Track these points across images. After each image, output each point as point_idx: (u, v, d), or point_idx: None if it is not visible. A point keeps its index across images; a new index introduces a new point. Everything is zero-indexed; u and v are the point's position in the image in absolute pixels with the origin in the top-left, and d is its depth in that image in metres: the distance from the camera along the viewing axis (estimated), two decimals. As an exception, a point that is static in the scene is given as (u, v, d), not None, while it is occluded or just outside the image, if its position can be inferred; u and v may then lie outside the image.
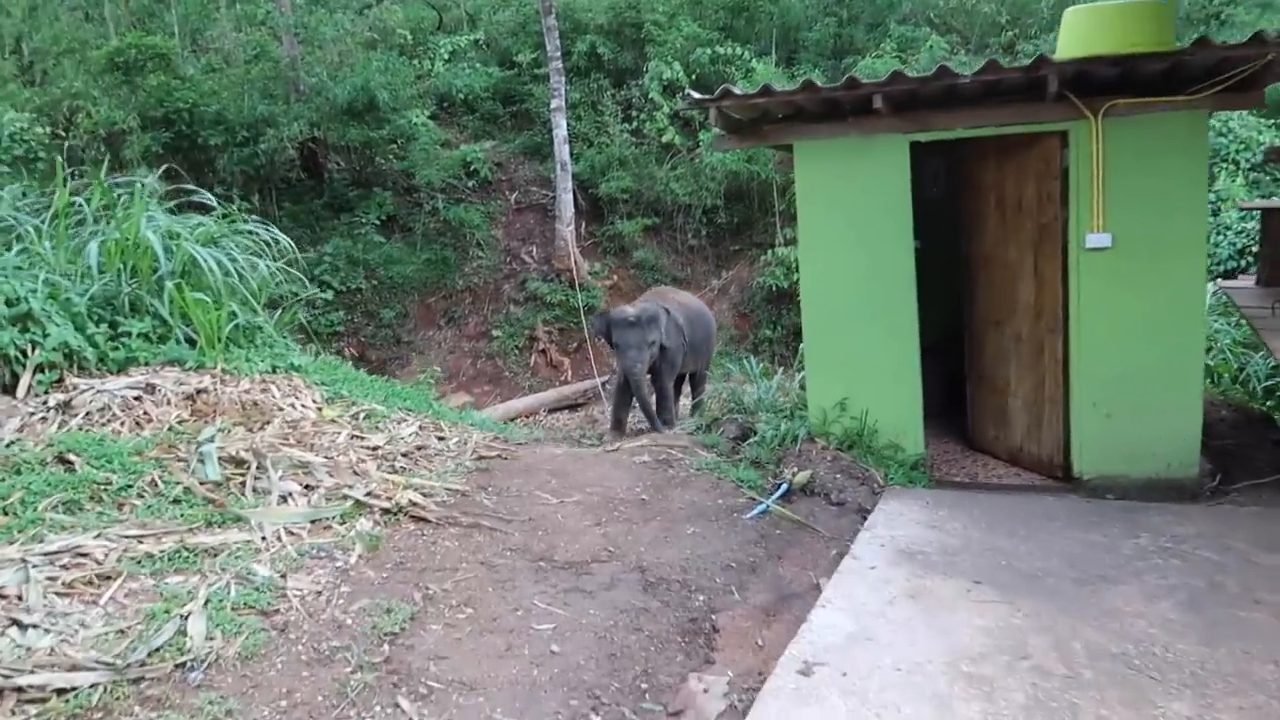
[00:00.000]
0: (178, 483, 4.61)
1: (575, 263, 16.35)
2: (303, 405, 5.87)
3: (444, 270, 16.37)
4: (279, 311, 7.73)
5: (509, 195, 17.78)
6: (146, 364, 6.12)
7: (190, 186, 7.68)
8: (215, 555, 4.06)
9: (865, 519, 5.18)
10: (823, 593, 4.20)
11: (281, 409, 5.77)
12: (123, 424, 5.19)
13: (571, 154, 16.74)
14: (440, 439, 6.09)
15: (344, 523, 4.55)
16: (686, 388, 11.71)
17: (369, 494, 4.78)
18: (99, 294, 6.37)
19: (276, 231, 7.42)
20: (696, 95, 6.05)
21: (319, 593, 3.89)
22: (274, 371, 6.41)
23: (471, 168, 17.42)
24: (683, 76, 17.54)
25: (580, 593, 4.09)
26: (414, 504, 4.77)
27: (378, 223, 16.25)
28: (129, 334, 6.20)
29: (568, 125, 16.47)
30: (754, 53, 18.44)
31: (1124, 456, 5.87)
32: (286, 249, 7.42)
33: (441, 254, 16.45)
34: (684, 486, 5.52)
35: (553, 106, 16.05)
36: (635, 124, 17.98)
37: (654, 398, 10.00)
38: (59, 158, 8.09)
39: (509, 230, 17.39)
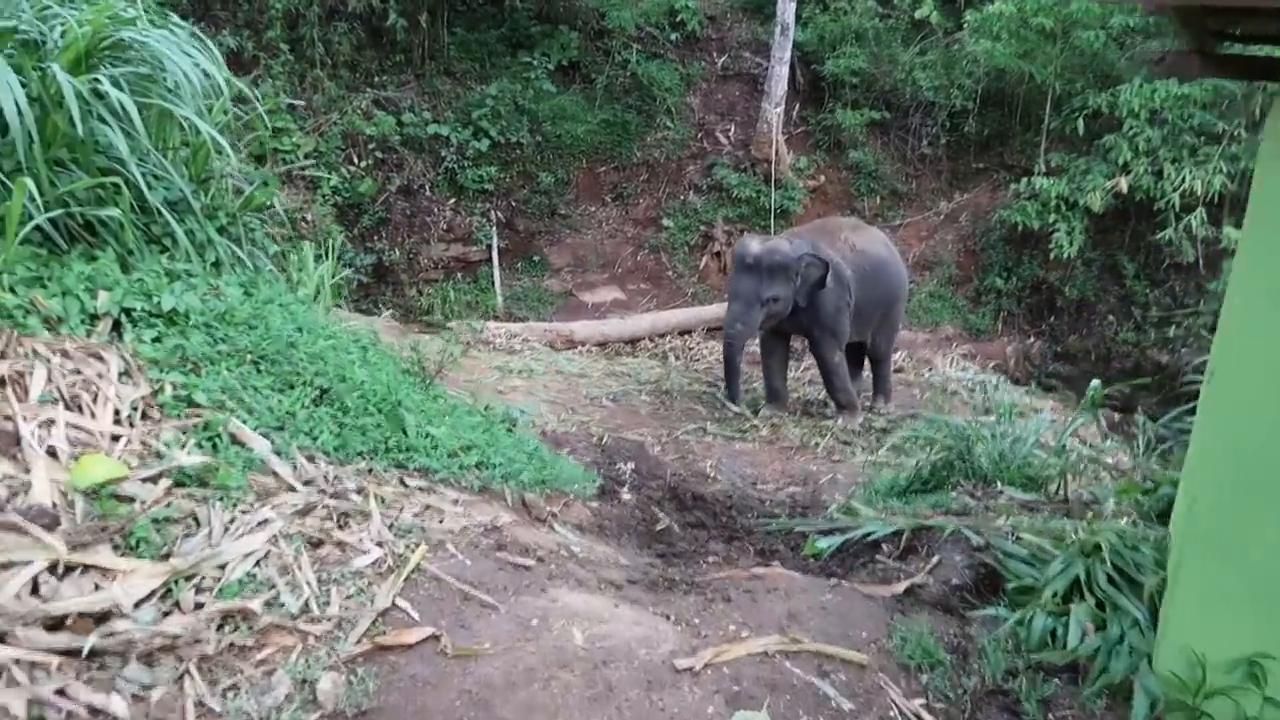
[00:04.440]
0: None
1: (777, 152, 12.26)
2: (69, 429, 2.53)
3: (622, 136, 12.63)
4: (244, 195, 4.40)
5: (715, 58, 13.58)
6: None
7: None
8: None
9: None
10: None
11: (16, 438, 2.45)
12: None
13: (798, 17, 12.34)
14: (340, 545, 2.62)
15: None
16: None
17: None
18: None
19: (210, 60, 3.85)
20: None
21: None
22: (121, 321, 3.10)
23: (678, 18, 13.24)
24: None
25: None
26: None
27: (555, 68, 12.58)
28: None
29: (801, -22, 12.05)
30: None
31: None
32: (212, 85, 3.85)
33: (622, 116, 12.67)
34: None
35: (785, -51, 11.63)
36: (887, -11, 13.22)
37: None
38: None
39: (708, 100, 13.32)
